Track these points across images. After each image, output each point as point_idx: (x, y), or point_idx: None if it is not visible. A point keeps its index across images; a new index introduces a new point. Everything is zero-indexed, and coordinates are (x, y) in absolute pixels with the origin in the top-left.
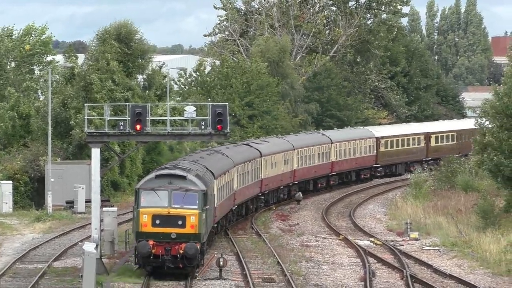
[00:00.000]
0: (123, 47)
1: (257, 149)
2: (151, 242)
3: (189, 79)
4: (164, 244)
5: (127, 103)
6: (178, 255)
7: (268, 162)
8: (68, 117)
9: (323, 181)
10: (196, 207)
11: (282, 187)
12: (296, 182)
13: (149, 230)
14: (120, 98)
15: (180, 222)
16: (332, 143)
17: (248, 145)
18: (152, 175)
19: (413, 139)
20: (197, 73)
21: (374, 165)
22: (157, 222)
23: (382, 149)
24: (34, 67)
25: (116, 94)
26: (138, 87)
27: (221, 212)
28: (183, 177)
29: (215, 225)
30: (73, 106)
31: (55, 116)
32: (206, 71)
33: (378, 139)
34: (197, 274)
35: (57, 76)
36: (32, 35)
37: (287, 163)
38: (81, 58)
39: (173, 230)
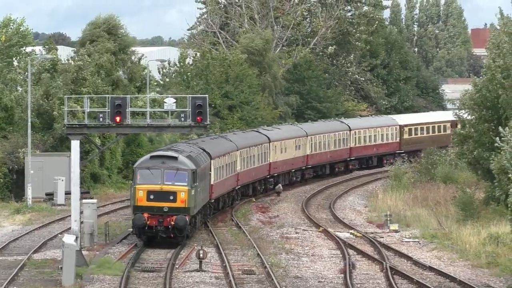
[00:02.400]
0: (111, 40)
1: (265, 135)
2: (146, 215)
3: (172, 69)
4: (157, 216)
5: (107, 95)
6: (169, 226)
7: (277, 147)
8: (51, 109)
9: (341, 166)
10: (185, 184)
11: (293, 170)
12: (310, 166)
13: (144, 204)
14: (102, 92)
15: (171, 197)
16: (350, 130)
17: (258, 131)
18: (147, 156)
19: (438, 126)
20: (180, 63)
21: (398, 151)
22: (151, 197)
23: (405, 136)
24: (13, 59)
25: (103, 88)
26: (122, 80)
27: (219, 190)
28: (175, 158)
29: (212, 201)
30: (58, 97)
31: (37, 108)
32: (188, 63)
33: (401, 127)
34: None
35: (35, 68)
36: (10, 27)
37: (299, 149)
38: (61, 50)
39: (165, 204)
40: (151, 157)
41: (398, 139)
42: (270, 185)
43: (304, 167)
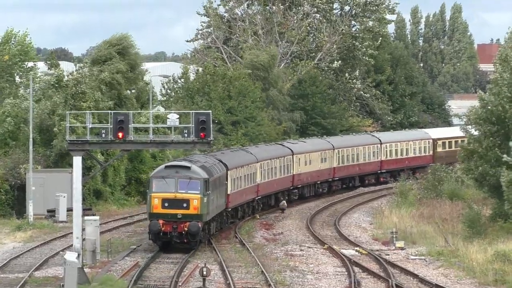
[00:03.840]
0: (121, 60)
1: (288, 148)
2: (160, 221)
3: (175, 86)
4: (172, 223)
5: (109, 111)
6: (183, 232)
7: (300, 159)
8: (52, 125)
9: (371, 178)
10: (198, 192)
11: (319, 182)
12: (337, 179)
13: (159, 211)
14: (103, 107)
15: (185, 205)
16: (381, 143)
17: (282, 144)
18: (162, 166)
19: None
20: (183, 79)
21: (431, 164)
22: (166, 204)
23: (439, 149)
24: (15, 74)
25: (104, 103)
26: (130, 99)
27: (237, 200)
28: (188, 168)
29: (229, 210)
30: (58, 114)
31: (39, 123)
32: (191, 78)
33: (435, 140)
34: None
35: (38, 84)
36: (12, 41)
37: (325, 161)
38: (63, 65)
39: (179, 211)
40: (166, 167)
41: (431, 152)
42: (294, 196)
43: (331, 179)
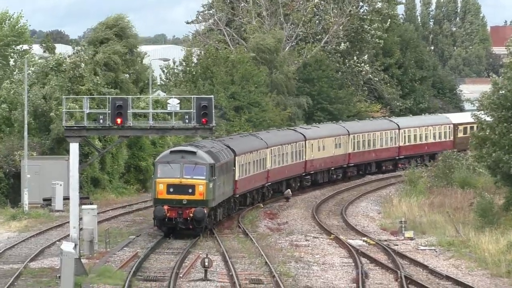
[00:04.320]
0: (119, 41)
1: (301, 133)
2: (166, 207)
3: (176, 69)
4: (177, 208)
5: (107, 96)
6: (188, 218)
7: (313, 145)
8: (48, 110)
9: (389, 164)
10: (204, 177)
11: (333, 168)
12: (352, 165)
13: (164, 197)
14: (105, 93)
15: (190, 190)
16: (399, 128)
17: (294, 130)
18: (167, 151)
19: None
20: (185, 63)
21: (451, 150)
22: (171, 190)
23: (460, 134)
24: (9, 57)
25: (101, 89)
26: (127, 82)
27: (245, 186)
28: (194, 153)
29: (237, 196)
30: (55, 97)
31: (33, 109)
32: (193, 63)
33: (455, 125)
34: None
35: (33, 67)
36: (6, 23)
37: (339, 147)
38: (59, 48)
39: (184, 197)
40: (171, 152)
41: (451, 138)
42: (306, 182)
43: (346, 165)
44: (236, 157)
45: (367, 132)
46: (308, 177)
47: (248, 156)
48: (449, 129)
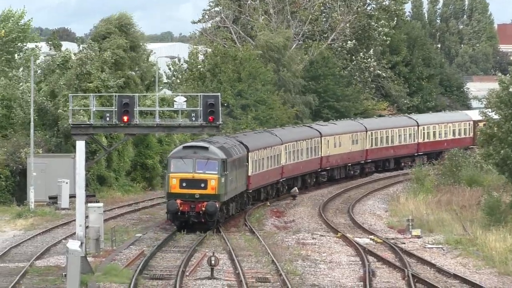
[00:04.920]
0: (123, 37)
1: (317, 130)
2: (178, 201)
3: (182, 67)
4: (190, 202)
5: (114, 93)
6: (200, 212)
7: (329, 141)
8: (56, 107)
9: (408, 160)
10: (216, 172)
11: (350, 164)
12: (370, 161)
13: (177, 191)
14: (113, 86)
15: (202, 185)
16: (418, 125)
17: (310, 126)
18: (180, 146)
19: None
20: (192, 60)
21: (471, 146)
22: (184, 184)
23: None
24: (15, 55)
25: (109, 83)
26: (134, 79)
27: (258, 181)
28: (206, 148)
29: (250, 191)
30: (63, 94)
31: (37, 107)
32: (200, 60)
33: (475, 122)
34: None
35: (38, 65)
36: (10, 21)
37: (356, 143)
38: (65, 46)
39: (197, 191)
40: (184, 147)
41: (471, 135)
42: (322, 178)
43: (363, 161)
44: (249, 153)
45: (385, 129)
46: (324, 173)
47: (261, 152)
48: (469, 125)
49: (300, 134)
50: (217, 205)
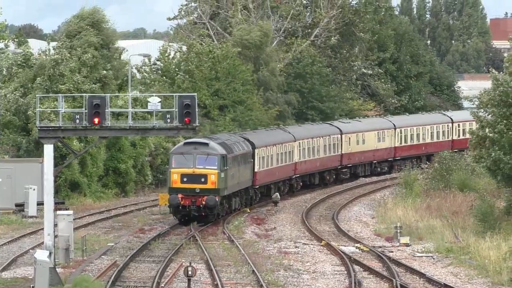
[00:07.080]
0: (95, 35)
1: (337, 127)
2: (180, 196)
3: (153, 67)
4: (190, 197)
5: (83, 94)
6: (201, 206)
7: (351, 139)
8: (26, 108)
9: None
10: (215, 167)
11: (375, 162)
12: (399, 158)
13: (179, 186)
14: (86, 90)
15: (202, 180)
16: (453, 122)
17: (330, 124)
18: (181, 143)
19: None
20: (162, 60)
21: None
22: (185, 179)
23: None
24: None
25: (84, 86)
26: (110, 78)
27: (266, 178)
28: (206, 144)
29: (257, 187)
30: (33, 96)
31: (9, 107)
32: (171, 57)
33: None
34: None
35: (8, 63)
36: None
37: (383, 140)
38: (32, 43)
39: (197, 186)
40: (185, 143)
41: None
42: (344, 175)
43: (391, 159)
44: (256, 150)
45: (415, 126)
46: (346, 170)
47: (269, 149)
48: None
49: (318, 131)
50: (217, 199)
